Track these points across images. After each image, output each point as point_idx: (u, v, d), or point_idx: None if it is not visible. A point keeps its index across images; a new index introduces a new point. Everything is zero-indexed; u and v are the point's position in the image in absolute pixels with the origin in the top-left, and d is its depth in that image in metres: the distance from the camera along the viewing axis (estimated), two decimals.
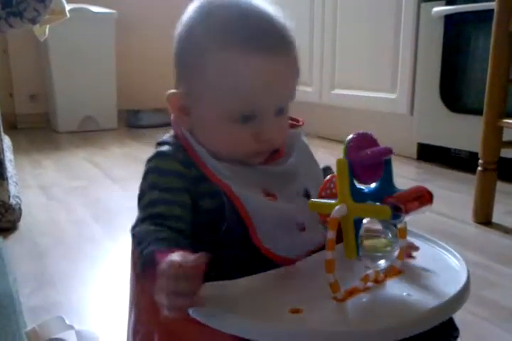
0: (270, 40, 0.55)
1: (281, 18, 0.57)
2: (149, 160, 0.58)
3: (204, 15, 0.56)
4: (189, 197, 0.55)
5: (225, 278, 0.52)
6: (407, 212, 0.46)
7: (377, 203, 0.47)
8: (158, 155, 0.57)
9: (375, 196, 0.49)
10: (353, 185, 0.48)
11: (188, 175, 0.55)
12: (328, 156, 0.90)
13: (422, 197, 0.48)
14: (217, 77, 0.54)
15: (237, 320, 0.45)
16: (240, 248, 0.54)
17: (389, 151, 0.48)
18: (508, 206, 1.47)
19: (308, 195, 0.59)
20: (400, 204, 0.46)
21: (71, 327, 0.76)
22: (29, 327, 0.79)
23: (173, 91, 0.59)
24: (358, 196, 0.48)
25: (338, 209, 0.47)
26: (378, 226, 0.49)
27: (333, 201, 0.49)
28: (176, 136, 0.59)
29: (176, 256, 0.43)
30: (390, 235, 0.49)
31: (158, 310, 0.57)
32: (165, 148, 0.58)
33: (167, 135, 0.61)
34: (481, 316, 0.88)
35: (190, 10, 0.57)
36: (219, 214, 0.54)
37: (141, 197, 0.56)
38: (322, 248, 0.50)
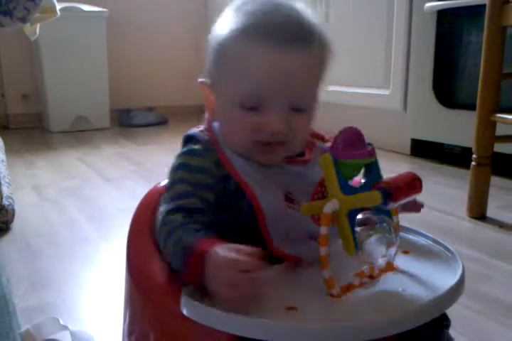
0: (288, 35, 0.55)
1: (311, 17, 0.57)
2: (180, 156, 0.59)
3: (233, 8, 0.58)
4: (213, 195, 0.56)
5: None
6: (396, 198, 0.47)
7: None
8: (189, 152, 0.59)
9: (365, 190, 0.49)
10: (342, 181, 0.48)
11: (218, 173, 0.57)
12: None
13: (412, 184, 0.49)
14: (229, 64, 0.57)
15: (233, 317, 0.44)
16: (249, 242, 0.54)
17: (356, 131, 0.51)
18: (502, 200, 1.47)
19: None
20: (390, 189, 0.47)
21: (66, 328, 0.76)
22: (23, 328, 0.78)
23: (201, 79, 0.61)
24: (348, 190, 0.48)
25: (329, 204, 0.47)
26: (374, 222, 0.49)
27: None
28: (207, 130, 0.61)
29: (227, 249, 0.46)
30: (387, 230, 0.49)
31: (153, 310, 0.57)
32: (197, 146, 0.59)
33: (198, 129, 0.62)
34: (475, 310, 0.88)
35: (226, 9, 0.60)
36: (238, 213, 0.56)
37: (168, 189, 0.57)
38: None
